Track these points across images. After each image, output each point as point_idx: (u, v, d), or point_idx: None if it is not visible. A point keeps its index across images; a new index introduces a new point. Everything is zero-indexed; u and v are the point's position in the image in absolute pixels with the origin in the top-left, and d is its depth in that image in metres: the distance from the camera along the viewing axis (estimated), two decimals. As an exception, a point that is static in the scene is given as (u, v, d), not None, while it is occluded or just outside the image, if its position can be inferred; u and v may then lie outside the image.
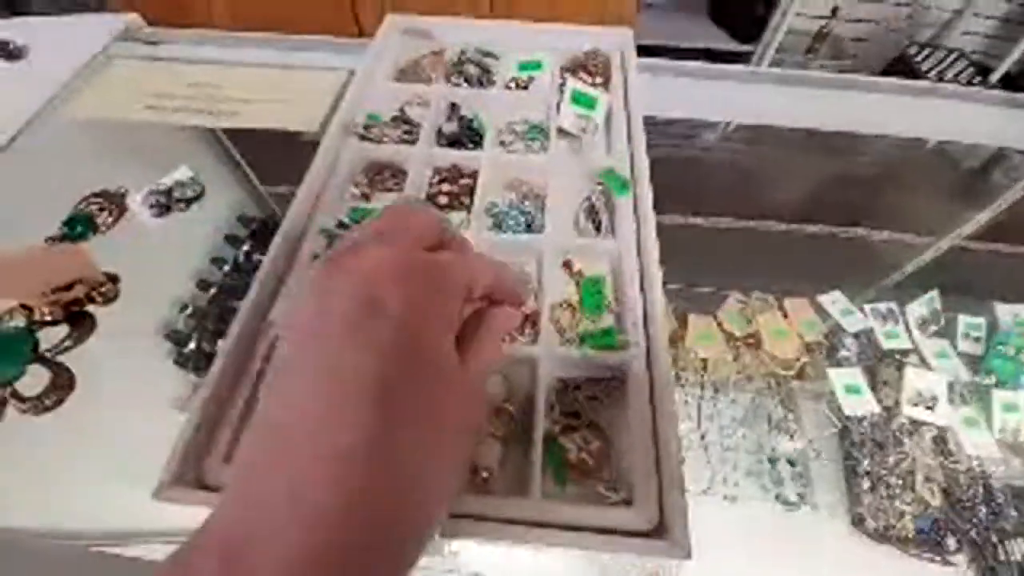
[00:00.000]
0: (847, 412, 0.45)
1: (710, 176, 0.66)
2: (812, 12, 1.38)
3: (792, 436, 0.45)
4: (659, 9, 1.45)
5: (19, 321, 0.39)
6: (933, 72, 1.28)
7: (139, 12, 0.64)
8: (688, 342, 0.49)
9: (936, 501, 0.41)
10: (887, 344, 0.49)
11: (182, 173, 0.47)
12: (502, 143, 0.45)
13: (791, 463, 0.44)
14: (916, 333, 0.50)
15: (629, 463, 0.29)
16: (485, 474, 0.29)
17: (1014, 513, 0.39)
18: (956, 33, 1.43)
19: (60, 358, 0.37)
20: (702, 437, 0.45)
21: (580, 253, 0.39)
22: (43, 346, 0.38)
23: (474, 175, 0.42)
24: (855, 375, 0.48)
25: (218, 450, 0.28)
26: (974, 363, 0.48)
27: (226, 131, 0.55)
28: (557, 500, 0.28)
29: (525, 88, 0.50)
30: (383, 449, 0.16)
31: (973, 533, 0.38)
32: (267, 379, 0.19)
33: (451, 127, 0.45)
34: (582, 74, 0.51)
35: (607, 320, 0.35)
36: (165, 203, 0.45)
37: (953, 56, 1.32)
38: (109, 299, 0.40)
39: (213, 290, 0.47)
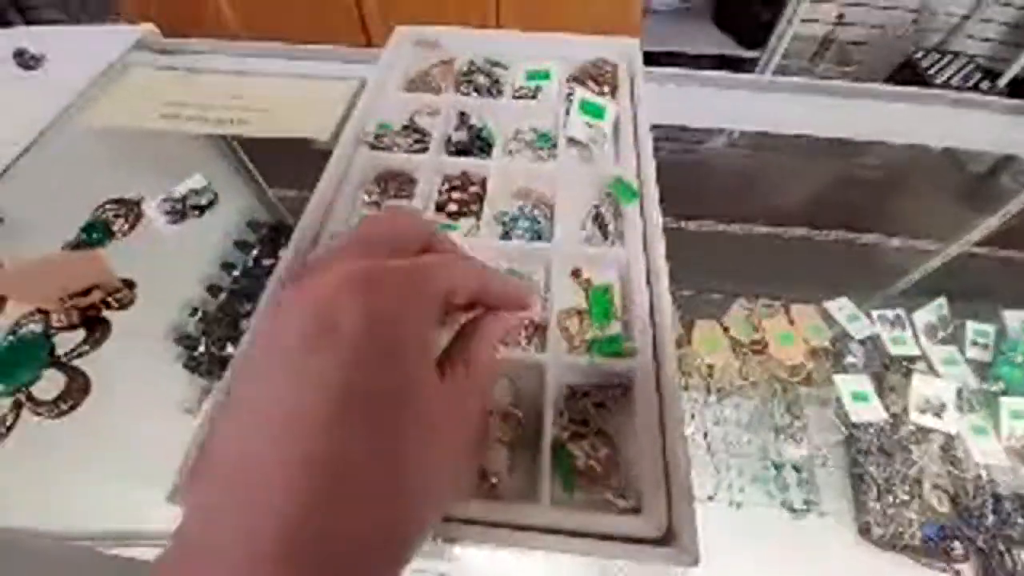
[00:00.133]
0: (854, 419, 0.45)
1: (716, 181, 0.66)
2: (817, 18, 1.38)
3: (798, 442, 0.45)
4: (664, 15, 1.46)
5: (36, 326, 0.39)
6: (940, 77, 1.27)
7: (152, 21, 0.66)
8: (694, 347, 0.49)
9: (944, 508, 0.41)
10: (894, 350, 0.49)
11: (196, 181, 0.48)
12: (511, 152, 0.46)
13: (797, 469, 0.44)
14: (924, 340, 0.50)
15: (637, 470, 0.29)
16: (493, 479, 0.29)
17: (1022, 521, 0.39)
18: (963, 38, 1.43)
19: (76, 362, 0.38)
20: (707, 443, 0.45)
21: (588, 261, 0.39)
22: (59, 351, 0.39)
23: (483, 183, 0.43)
24: (862, 382, 0.47)
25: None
26: (982, 370, 0.48)
27: (237, 138, 0.56)
28: (565, 507, 0.28)
29: (533, 97, 0.50)
30: (343, 458, 0.15)
31: (980, 541, 0.38)
32: (233, 386, 0.19)
33: (460, 136, 0.45)
34: (590, 83, 0.51)
35: (615, 328, 0.36)
36: (180, 210, 0.46)
37: (960, 61, 1.32)
38: (125, 304, 0.40)
39: (223, 295, 0.48)
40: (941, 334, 0.51)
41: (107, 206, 0.46)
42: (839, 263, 0.59)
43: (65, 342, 0.39)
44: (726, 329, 0.51)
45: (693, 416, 0.47)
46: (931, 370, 0.48)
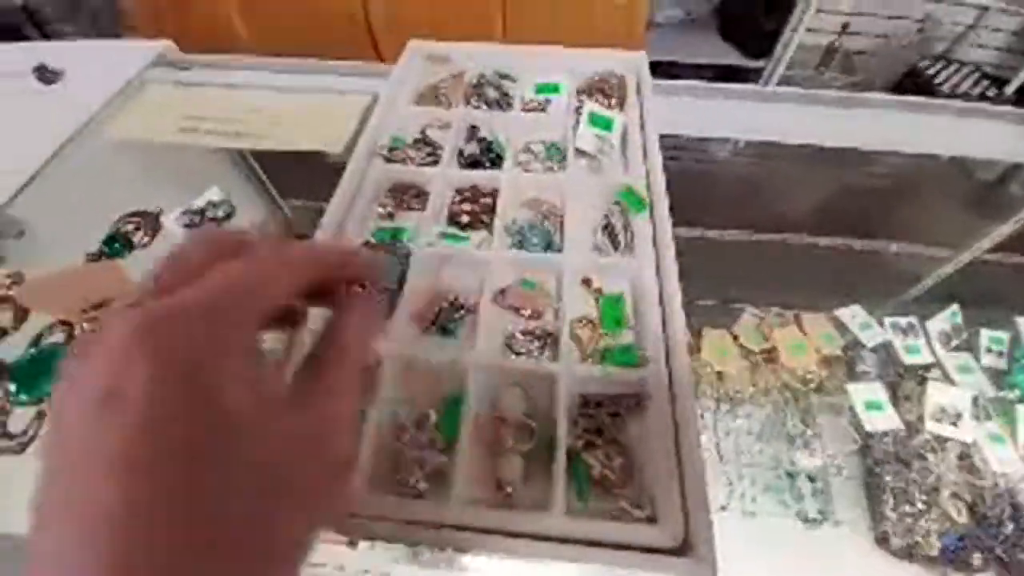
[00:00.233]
0: (868, 428, 0.45)
1: (725, 190, 0.66)
2: (822, 28, 1.38)
3: (812, 452, 0.45)
4: (668, 27, 1.47)
5: (58, 337, 0.40)
6: (946, 85, 1.27)
7: (169, 37, 0.67)
8: (703, 356, 0.49)
9: (962, 518, 0.40)
10: (908, 359, 0.49)
11: (213, 193, 0.49)
12: (520, 163, 0.46)
13: (811, 479, 0.43)
14: (938, 347, 0.49)
15: (652, 480, 0.29)
16: (508, 489, 0.29)
17: (1041, 530, 0.39)
18: (968, 47, 1.42)
19: None
20: (719, 452, 0.45)
21: (599, 271, 0.40)
22: None
23: (494, 194, 0.43)
24: (876, 390, 0.47)
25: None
26: (998, 377, 0.47)
27: (252, 151, 0.57)
28: (580, 516, 0.28)
29: (542, 110, 0.51)
30: (135, 524, 0.14)
31: (999, 550, 0.38)
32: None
33: (471, 148, 0.46)
34: (598, 96, 0.52)
35: (627, 337, 0.36)
36: (198, 223, 0.47)
37: (967, 69, 1.31)
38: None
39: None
40: (955, 342, 0.50)
41: (127, 218, 0.47)
42: (850, 271, 0.59)
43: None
44: (735, 337, 0.51)
45: (704, 425, 0.47)
46: (946, 378, 0.48)
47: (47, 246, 0.50)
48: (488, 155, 0.46)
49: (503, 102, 0.52)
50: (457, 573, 0.36)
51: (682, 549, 0.26)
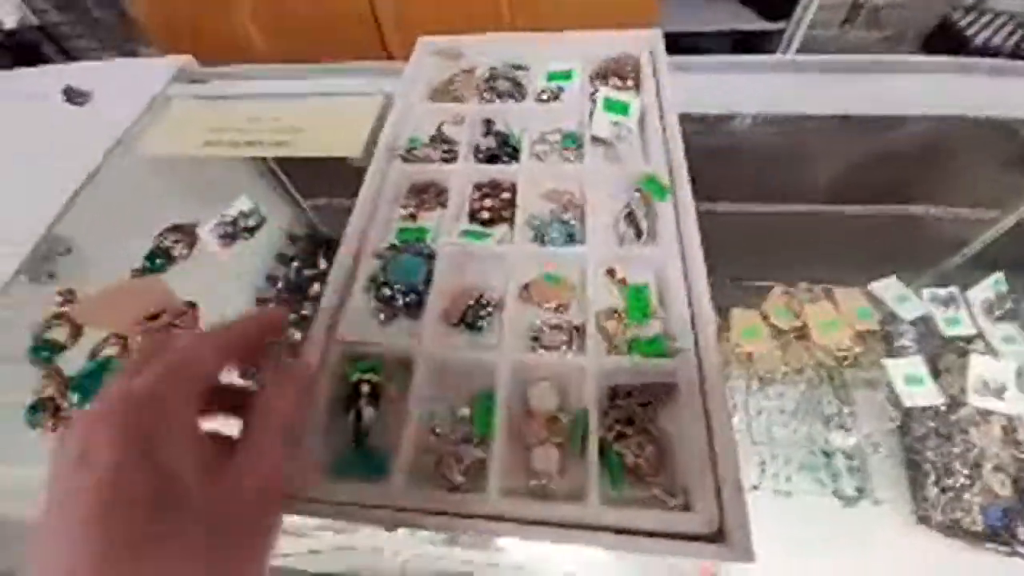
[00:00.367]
0: (908, 403, 0.44)
1: (746, 162, 0.64)
2: (846, -18, 1.31)
3: (848, 431, 0.44)
4: (683, -6, 1.42)
5: (113, 350, 0.43)
6: (980, 38, 1.19)
7: (184, 45, 0.69)
8: (732, 336, 0.49)
9: (1006, 491, 0.39)
10: (948, 331, 0.47)
11: (243, 203, 0.50)
12: (537, 155, 0.46)
13: (848, 456, 0.43)
14: (981, 317, 0.48)
15: (685, 468, 0.29)
16: (544, 480, 0.30)
17: (1090, 502, 0.38)
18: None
19: None
20: (750, 432, 0.45)
21: (623, 261, 0.39)
22: None
23: (513, 188, 0.43)
24: (916, 364, 0.46)
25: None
26: (1045, 347, 0.45)
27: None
28: (615, 505, 0.28)
29: (556, 98, 0.51)
30: (99, 568, 0.17)
31: (1047, 523, 0.37)
32: None
33: (487, 143, 0.46)
34: (613, 79, 0.51)
35: (654, 327, 0.36)
36: (232, 233, 0.49)
37: (1001, 20, 1.22)
38: (190, 325, 0.43)
39: (270, 306, 0.50)
40: (999, 311, 0.48)
41: (165, 233, 0.49)
42: (884, 240, 0.57)
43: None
44: (765, 316, 0.50)
45: (735, 406, 0.46)
46: (989, 349, 0.46)
47: (92, 261, 0.52)
48: (505, 149, 0.46)
49: (516, 93, 0.51)
50: (493, 553, 0.38)
51: (717, 535, 0.26)
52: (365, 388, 0.33)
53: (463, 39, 0.56)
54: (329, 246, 0.55)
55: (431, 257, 0.39)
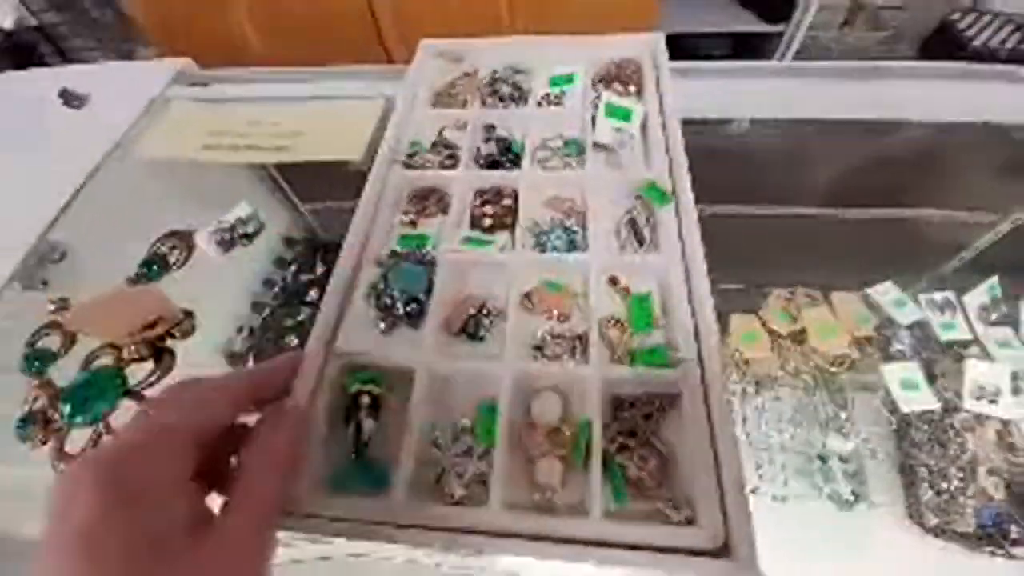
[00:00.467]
0: (904, 408, 0.44)
1: (744, 166, 0.64)
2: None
3: (845, 435, 0.45)
4: (682, -4, 1.42)
5: (107, 359, 0.42)
6: (979, 39, 1.20)
7: (181, 45, 0.68)
8: (731, 342, 0.49)
9: (999, 495, 0.40)
10: (944, 336, 0.48)
11: (242, 209, 0.50)
12: (539, 161, 0.46)
13: (843, 460, 0.43)
14: (976, 322, 0.48)
15: (689, 481, 0.29)
16: (548, 493, 0.30)
17: (1082, 505, 0.38)
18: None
19: (146, 392, 0.41)
20: (747, 437, 0.45)
21: (625, 269, 0.39)
22: (131, 381, 0.41)
23: (515, 195, 0.43)
24: (911, 369, 0.46)
25: (309, 477, 0.29)
26: (1041, 351, 0.46)
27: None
28: (619, 519, 0.28)
29: (559, 103, 0.50)
30: None
31: (1040, 524, 0.37)
32: None
33: (489, 149, 0.46)
34: (615, 84, 0.51)
35: (657, 336, 0.36)
36: (229, 240, 0.48)
37: (999, 21, 1.24)
38: (187, 333, 0.43)
39: (267, 311, 0.50)
40: (994, 315, 0.49)
41: (162, 240, 0.49)
42: (880, 244, 0.57)
43: (135, 372, 0.42)
44: (764, 322, 0.50)
45: (732, 410, 0.47)
46: (985, 354, 0.47)
47: (87, 268, 0.52)
48: (507, 155, 0.46)
49: (518, 98, 0.51)
50: (486, 559, 0.38)
51: (722, 550, 0.26)
52: (365, 399, 0.32)
53: (465, 42, 0.55)
54: (327, 250, 0.55)
55: (432, 265, 0.38)
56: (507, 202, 0.43)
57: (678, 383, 0.32)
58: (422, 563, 0.39)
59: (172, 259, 0.48)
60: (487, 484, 0.29)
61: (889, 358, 0.48)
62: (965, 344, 0.48)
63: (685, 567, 0.26)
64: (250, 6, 1.13)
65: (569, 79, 0.52)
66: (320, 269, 0.53)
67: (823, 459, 0.44)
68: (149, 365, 0.42)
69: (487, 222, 0.42)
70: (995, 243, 0.55)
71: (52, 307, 0.45)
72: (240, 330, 0.48)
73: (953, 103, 0.57)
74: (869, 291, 0.51)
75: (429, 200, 0.43)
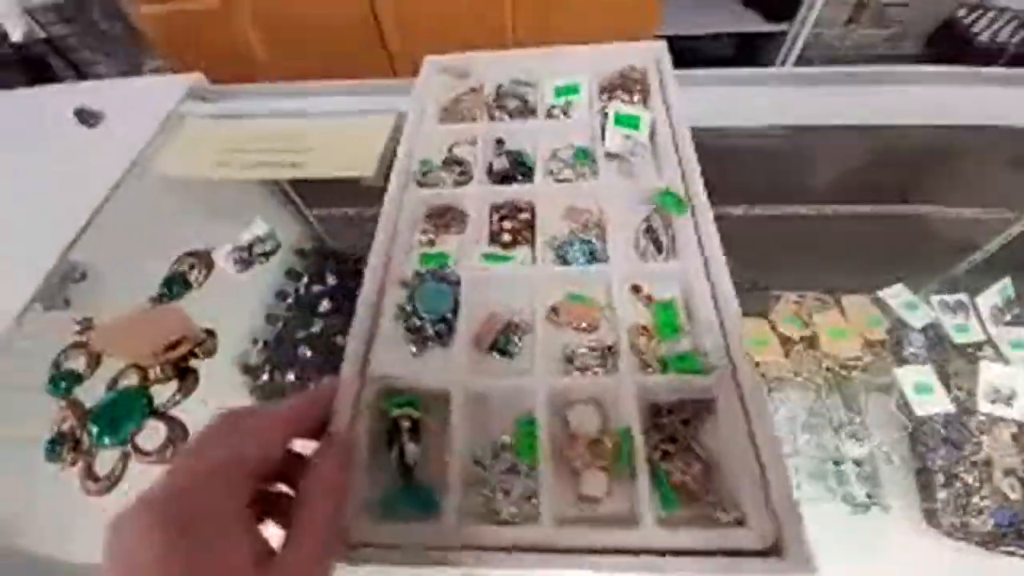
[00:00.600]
0: (919, 412, 0.44)
1: (750, 168, 0.64)
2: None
3: (859, 440, 0.45)
4: (684, -1, 1.41)
5: (133, 379, 0.43)
6: (986, 35, 1.19)
7: (189, 60, 0.69)
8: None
9: (1016, 495, 0.40)
10: (958, 339, 0.48)
11: (259, 227, 0.50)
12: (551, 172, 0.46)
13: (858, 464, 0.43)
14: (989, 324, 0.48)
15: (734, 482, 0.29)
16: (595, 505, 0.30)
17: (1098, 505, 0.38)
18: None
19: (171, 412, 0.41)
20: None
21: (646, 277, 0.39)
22: (156, 401, 0.42)
23: (531, 208, 0.43)
24: (925, 372, 0.46)
25: (358, 505, 0.29)
26: (1055, 350, 0.46)
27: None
28: (670, 526, 0.28)
29: (566, 114, 0.51)
30: None
31: (1058, 524, 0.37)
32: None
33: (501, 163, 0.46)
34: (620, 93, 0.51)
35: (685, 343, 0.36)
36: (247, 259, 0.49)
37: (1006, 16, 1.22)
38: (209, 353, 0.44)
39: (280, 323, 0.50)
40: (1007, 316, 0.49)
41: (182, 258, 0.50)
42: (890, 245, 0.57)
43: (159, 392, 0.42)
44: (774, 326, 0.51)
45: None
46: (999, 355, 0.47)
47: (108, 287, 0.52)
48: (519, 168, 0.46)
49: (525, 110, 0.51)
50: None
51: (774, 549, 0.26)
52: (406, 423, 0.32)
53: (468, 56, 0.55)
54: (338, 260, 0.55)
55: (457, 283, 0.39)
56: (525, 216, 0.43)
57: (712, 388, 0.32)
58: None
59: (192, 278, 0.49)
60: (532, 500, 0.30)
61: (902, 361, 0.48)
62: (979, 346, 0.48)
63: (743, 569, 0.26)
64: (254, 16, 1.13)
65: (574, 89, 0.52)
66: (331, 280, 0.53)
67: (837, 462, 0.44)
68: (173, 384, 0.42)
69: (506, 237, 0.42)
70: (1007, 243, 0.55)
71: (77, 327, 0.46)
72: (255, 342, 0.49)
73: (961, 107, 0.57)
74: (880, 294, 0.51)
75: (446, 218, 0.44)
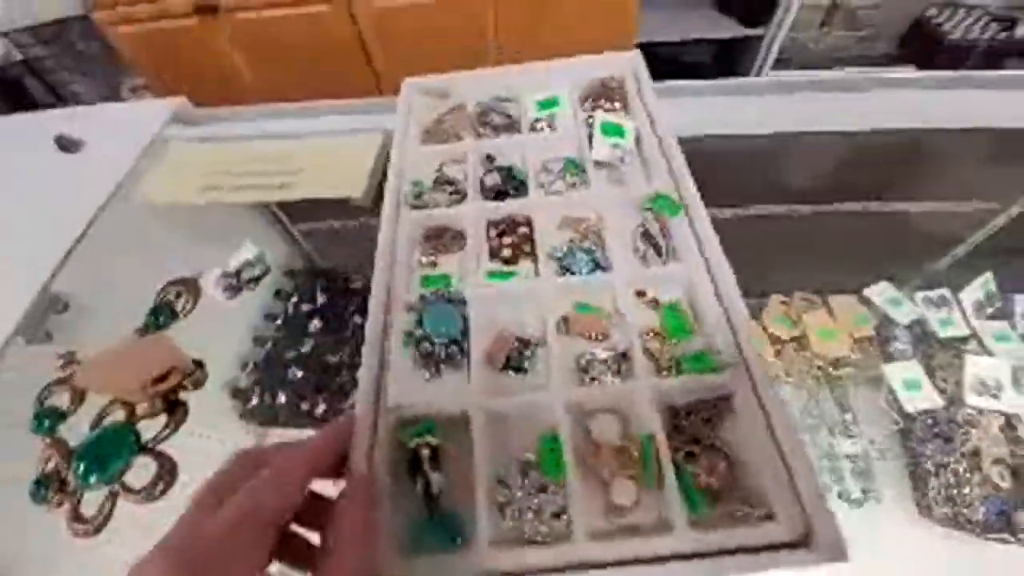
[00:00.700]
0: (909, 409, 0.45)
1: (736, 170, 0.65)
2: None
3: (851, 437, 0.45)
4: (661, 4, 1.43)
5: (119, 415, 0.41)
6: (956, 32, 1.22)
7: (169, 80, 0.68)
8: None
9: (1006, 484, 0.40)
10: (943, 333, 0.48)
11: (248, 251, 0.49)
12: (543, 184, 0.46)
13: (851, 460, 0.44)
14: (973, 317, 0.49)
15: (759, 477, 0.29)
16: (626, 514, 0.30)
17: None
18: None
19: (159, 446, 0.40)
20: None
21: (649, 281, 0.40)
22: (144, 436, 0.40)
23: (529, 222, 0.43)
24: (912, 368, 0.47)
25: (386, 542, 0.28)
26: (1038, 342, 0.47)
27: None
28: (702, 528, 0.28)
29: (551, 127, 0.51)
30: None
31: (1048, 511, 0.38)
32: None
33: (493, 179, 0.46)
34: (602, 102, 0.51)
35: (696, 343, 0.36)
36: (236, 285, 0.48)
37: (976, 14, 1.26)
38: (198, 384, 0.43)
39: (269, 344, 0.49)
40: (989, 310, 0.49)
41: (169, 287, 0.48)
42: (873, 244, 0.58)
43: (148, 427, 0.41)
44: (764, 327, 0.51)
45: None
46: (983, 348, 0.47)
47: (92, 319, 0.51)
48: (511, 182, 0.46)
49: (510, 126, 0.51)
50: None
51: (805, 540, 0.26)
52: (426, 452, 0.32)
53: (448, 77, 0.55)
54: (328, 278, 0.55)
55: (463, 303, 0.38)
56: (523, 230, 0.43)
57: (728, 384, 0.32)
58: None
59: (179, 307, 0.48)
60: (562, 516, 0.29)
61: (889, 357, 0.49)
62: (963, 340, 0.48)
63: (777, 563, 0.26)
64: (232, 34, 1.13)
65: (554, 102, 0.53)
66: (321, 299, 0.53)
67: (831, 459, 0.45)
68: (162, 419, 0.41)
69: (507, 252, 0.42)
70: (989, 237, 0.56)
71: (60, 361, 0.45)
72: (244, 366, 0.48)
73: (940, 110, 0.59)
74: (866, 292, 0.52)
75: (444, 238, 0.43)
